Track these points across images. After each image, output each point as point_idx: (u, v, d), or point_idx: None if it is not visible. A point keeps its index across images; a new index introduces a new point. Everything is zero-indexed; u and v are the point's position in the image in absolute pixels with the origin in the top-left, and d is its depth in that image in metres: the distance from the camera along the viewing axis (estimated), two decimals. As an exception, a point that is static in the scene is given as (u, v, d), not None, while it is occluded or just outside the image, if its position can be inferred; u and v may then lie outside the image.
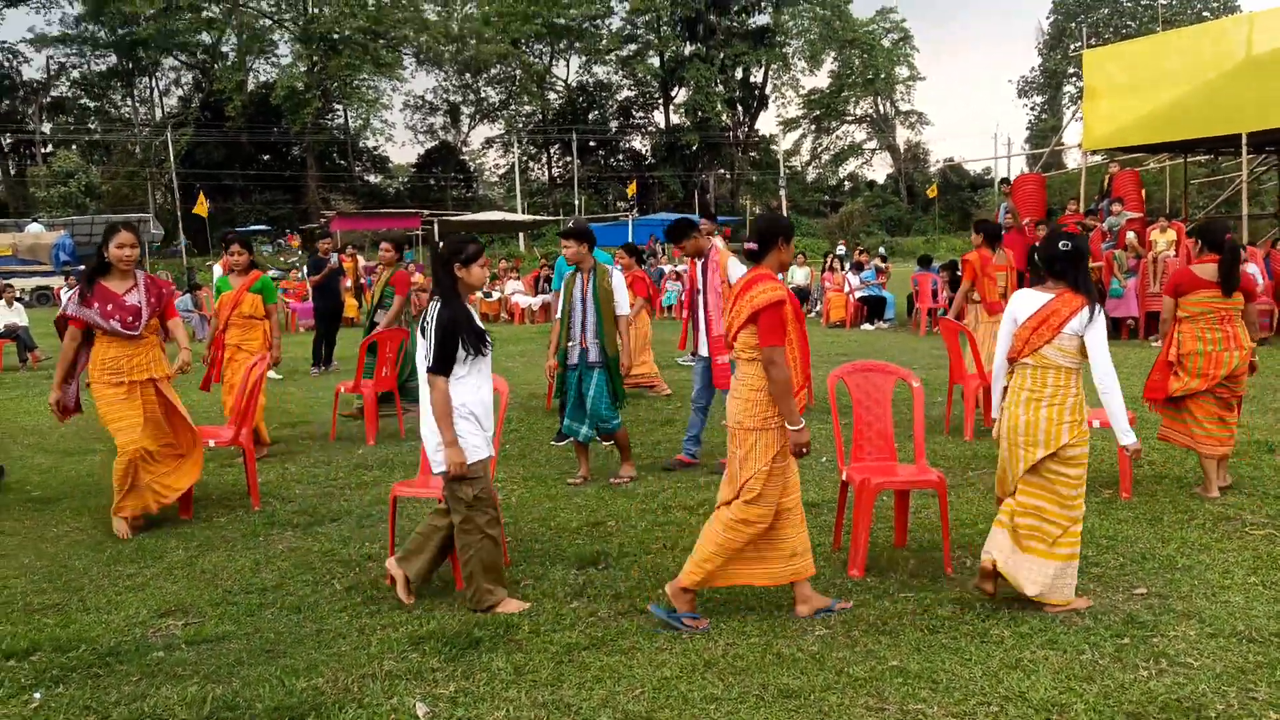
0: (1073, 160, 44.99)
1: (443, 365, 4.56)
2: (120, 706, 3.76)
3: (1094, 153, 20.61)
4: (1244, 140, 17.08)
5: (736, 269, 7.31)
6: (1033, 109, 70.43)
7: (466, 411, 4.63)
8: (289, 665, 4.09)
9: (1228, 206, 23.71)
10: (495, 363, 11.06)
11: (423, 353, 4.64)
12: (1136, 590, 4.65)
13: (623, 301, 7.21)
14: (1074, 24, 63.04)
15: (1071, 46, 61.84)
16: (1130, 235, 15.31)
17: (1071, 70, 60.68)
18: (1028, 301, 4.56)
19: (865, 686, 3.75)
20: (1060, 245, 4.53)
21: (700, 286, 7.27)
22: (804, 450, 4.31)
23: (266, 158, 60.91)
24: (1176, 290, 6.40)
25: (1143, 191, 18.89)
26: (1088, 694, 3.63)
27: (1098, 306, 4.45)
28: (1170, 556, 5.08)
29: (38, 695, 3.88)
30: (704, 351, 7.32)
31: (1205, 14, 57.45)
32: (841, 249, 30.76)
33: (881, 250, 32.25)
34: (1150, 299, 14.09)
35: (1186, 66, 17.18)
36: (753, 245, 4.52)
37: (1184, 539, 5.36)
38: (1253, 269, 12.68)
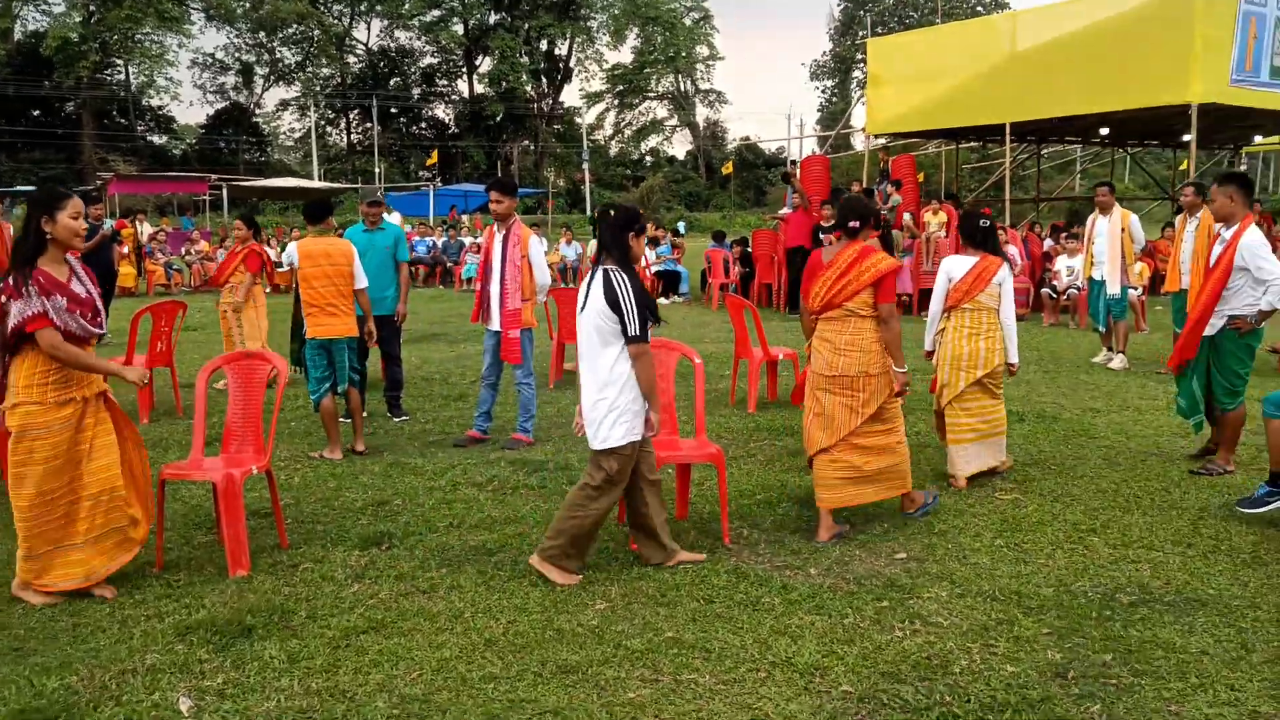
0: (859, 143, 47.11)
1: (645, 333, 4.57)
2: None
3: (877, 136, 21.64)
4: (1007, 129, 18.32)
5: (537, 246, 7.31)
6: (824, 92, 73.23)
7: (633, 384, 4.58)
8: (39, 664, 3.85)
9: (995, 190, 25.44)
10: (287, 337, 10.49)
11: (597, 321, 4.56)
12: (897, 555, 4.96)
13: None
14: (862, 11, 65.79)
15: (860, 34, 64.56)
16: (906, 216, 16.20)
17: (860, 56, 63.35)
18: (960, 264, 6.24)
19: (642, 659, 3.85)
20: (981, 222, 6.32)
21: (499, 259, 7.21)
22: (906, 389, 5.27)
23: (36, 113, 56.28)
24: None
25: (919, 175, 20.01)
26: (848, 656, 3.85)
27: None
28: (929, 522, 5.44)
29: None
30: (495, 325, 7.29)
31: (979, 9, 61.19)
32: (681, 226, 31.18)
33: (680, 225, 32.86)
34: (924, 276, 14.94)
35: (959, 59, 18.25)
36: (855, 223, 5.22)
37: (941, 505, 5.73)
38: (1012, 250, 13.64)
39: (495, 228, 7.32)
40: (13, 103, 53.40)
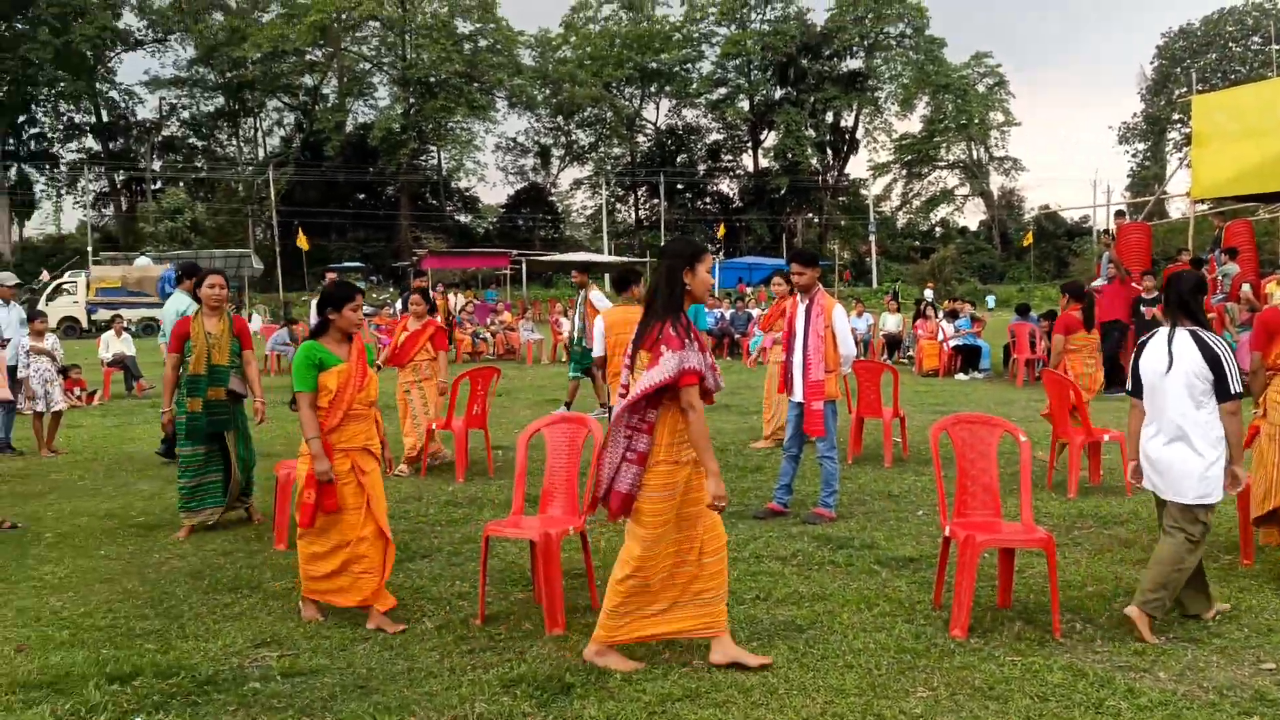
0: (1176, 210, 43.80)
1: (1241, 391, 4.80)
2: (217, 738, 3.78)
3: (1201, 201, 20.00)
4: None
5: (841, 316, 7.22)
6: (1134, 156, 68.97)
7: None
8: (381, 703, 4.07)
9: (1342, 259, 22.82)
10: (582, 402, 10.93)
11: (1190, 381, 4.71)
12: (1264, 665, 4.39)
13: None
14: (1179, 69, 61.72)
15: (1176, 92, 60.51)
16: (1245, 287, 14.74)
17: (1176, 116, 59.31)
18: None
19: (973, 754, 3.58)
20: None
21: (801, 329, 7.16)
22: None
23: (362, 196, 62.66)
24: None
25: (1254, 241, 18.23)
26: (1215, 774, 3.42)
27: None
28: (1299, 629, 4.80)
29: (139, 721, 3.92)
30: (798, 397, 7.20)
31: (1317, 60, 55.74)
32: (929, 293, 30.26)
33: (989, 299, 31.57)
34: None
35: (1300, 113, 16.58)
36: None
37: (1311, 610, 5.06)
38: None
39: (799, 298, 7.28)
40: (343, 188, 59.72)
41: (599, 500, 4.41)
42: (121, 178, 61.89)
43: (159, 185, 59.06)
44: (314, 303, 11.53)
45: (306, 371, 5.05)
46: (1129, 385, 5.07)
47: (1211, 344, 4.70)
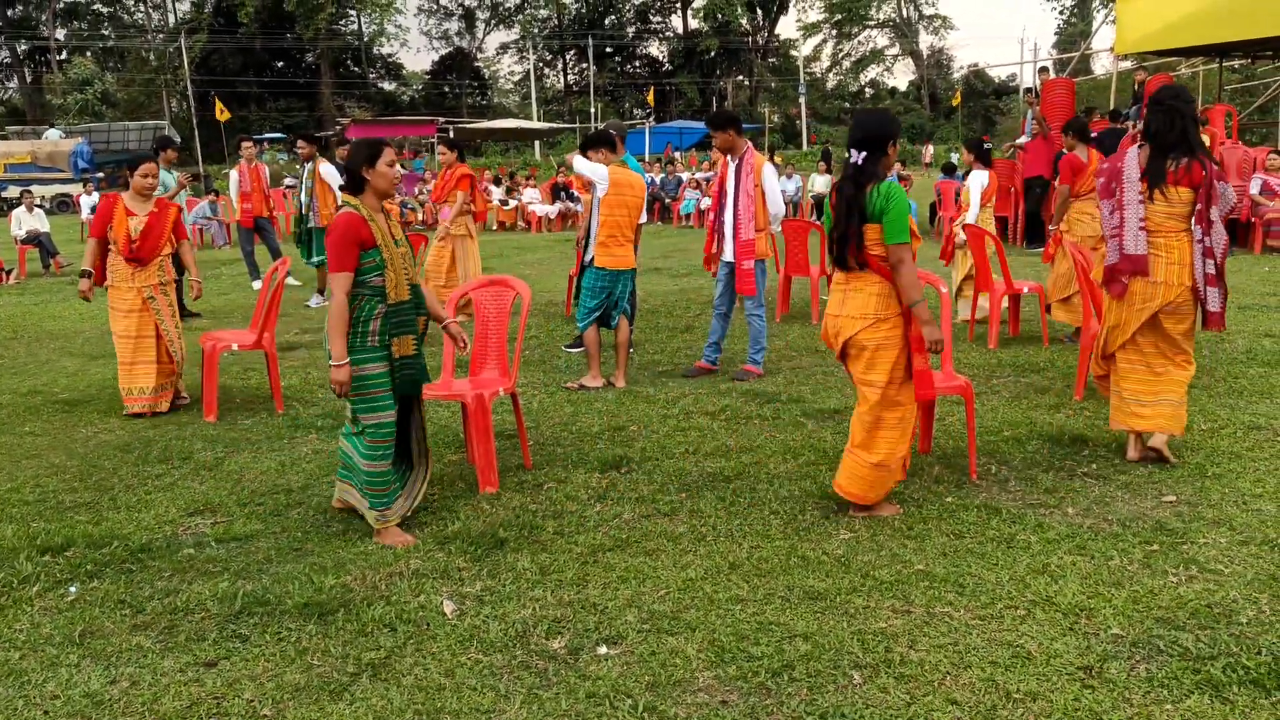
0: (1100, 66, 43.93)
1: None
2: (154, 600, 3.81)
3: (1125, 57, 20.06)
4: (1282, 45, 16.56)
5: (771, 175, 7.21)
6: (1061, 13, 68.54)
7: None
8: (317, 563, 4.13)
9: (1260, 113, 23.19)
10: (513, 269, 11.03)
11: None
12: (1165, 498, 4.63)
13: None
14: (1108, -77, 60.94)
15: (1104, -53, 59.88)
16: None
17: (1104, -28, 58.82)
18: None
19: (891, 590, 3.76)
20: None
21: (731, 189, 7.14)
22: None
23: (281, 64, 60.17)
24: None
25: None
26: (1116, 599, 3.63)
27: None
28: (1200, 464, 5.04)
29: (74, 589, 3.93)
30: (728, 256, 7.23)
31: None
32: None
33: (954, 157, 31.47)
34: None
35: (1225, -34, 16.55)
36: None
37: (1214, 447, 5.31)
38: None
39: (729, 159, 7.23)
40: (260, 56, 57.23)
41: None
42: (24, 48, 58.60)
43: (65, 56, 56.06)
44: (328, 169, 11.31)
45: None
46: None
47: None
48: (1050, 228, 8.06)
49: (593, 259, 7.09)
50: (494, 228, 22.39)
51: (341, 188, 4.47)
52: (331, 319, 4.20)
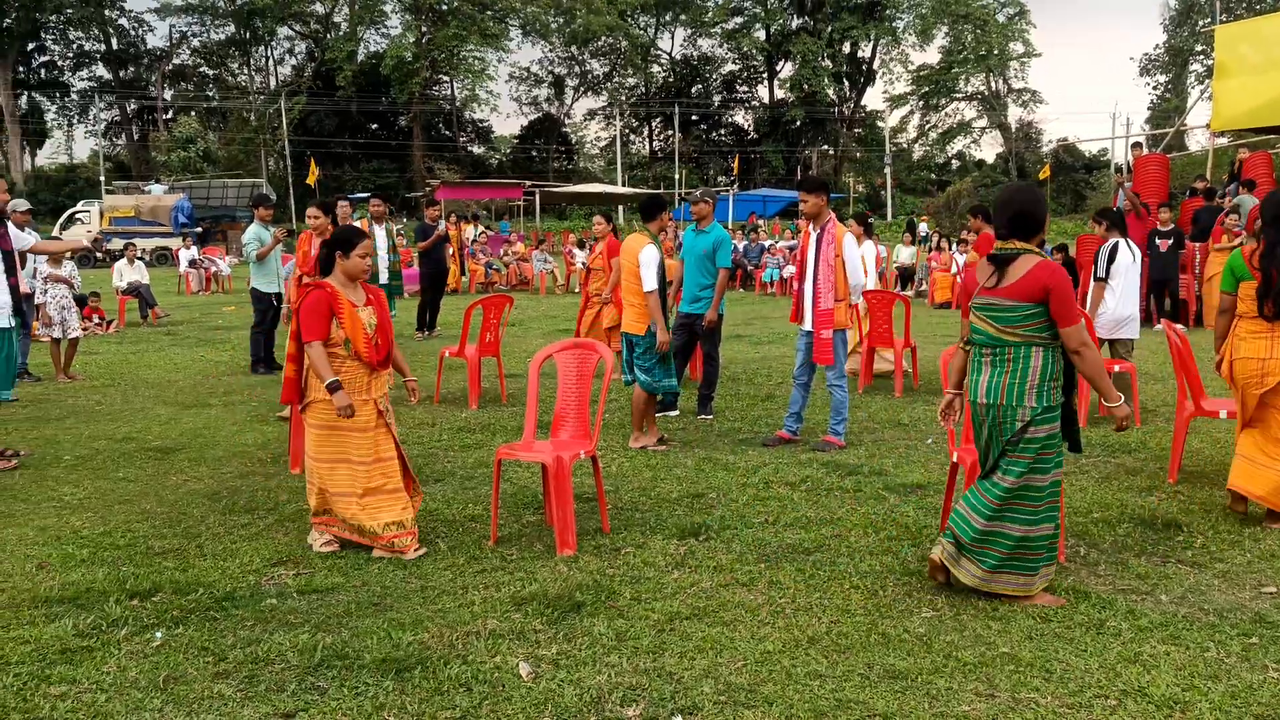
0: (1195, 143, 43.17)
1: None
2: (236, 649, 3.87)
3: (1221, 134, 19.71)
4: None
5: (852, 245, 7.20)
6: (1155, 88, 67.63)
7: None
8: (395, 619, 4.16)
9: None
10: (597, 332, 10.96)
11: None
12: (1265, 588, 4.44)
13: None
14: (1203, -1, 60.26)
15: (1200, 23, 59.11)
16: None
17: (1199, 48, 58.06)
18: None
19: (975, 672, 3.65)
20: None
21: (812, 258, 7.14)
22: None
23: (375, 127, 62.14)
24: None
25: (1274, 175, 17.99)
26: (1213, 692, 3.47)
27: None
28: (1301, 555, 4.84)
29: (159, 635, 4.01)
30: (808, 325, 7.21)
31: (1345, -11, 54.34)
32: (923, 226, 29.86)
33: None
34: None
35: (1326, 44, 16.26)
36: None
37: (1316, 537, 5.10)
38: None
39: (810, 227, 7.25)
40: (356, 118, 59.20)
41: None
42: (133, 107, 61.54)
43: (170, 114, 58.75)
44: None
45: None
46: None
47: None
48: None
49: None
50: (577, 290, 22.63)
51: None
52: None
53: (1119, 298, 8.16)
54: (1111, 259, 8.16)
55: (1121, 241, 8.24)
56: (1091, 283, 8.28)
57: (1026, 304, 4.13)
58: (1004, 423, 4.21)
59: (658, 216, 7.48)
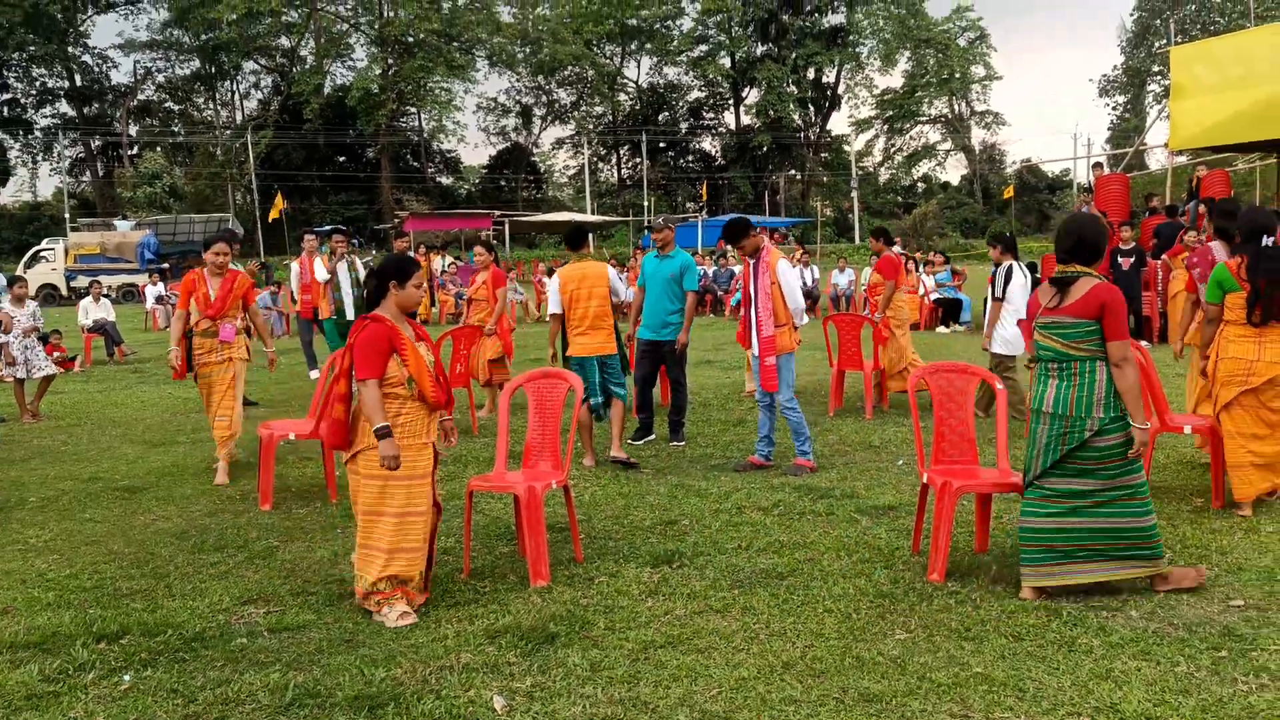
0: (1155, 161, 43.88)
1: None
2: (206, 690, 3.82)
3: (1180, 153, 20.04)
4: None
5: (786, 269, 7.29)
6: (1114, 108, 68.73)
7: None
8: (368, 655, 4.13)
9: (1320, 208, 22.89)
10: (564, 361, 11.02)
11: None
12: (1233, 602, 4.48)
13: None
14: (1159, 21, 61.38)
15: (1156, 44, 60.24)
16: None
17: (1156, 68, 59.07)
18: None
19: (949, 693, 3.67)
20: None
21: (752, 288, 7.26)
22: None
23: (342, 159, 61.98)
24: None
25: (1232, 192, 18.32)
26: (1184, 707, 3.50)
27: None
28: (1269, 568, 4.89)
29: (127, 678, 3.96)
30: (756, 351, 7.30)
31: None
32: (897, 249, 30.11)
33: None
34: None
35: (1278, 63, 16.57)
36: None
37: (1281, 549, 5.16)
38: None
39: (749, 260, 7.38)
40: (323, 151, 59.06)
41: None
42: (98, 143, 61.05)
43: (136, 150, 58.35)
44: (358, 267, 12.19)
45: None
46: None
47: None
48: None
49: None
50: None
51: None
52: None
53: (1014, 317, 8.88)
54: (1008, 280, 8.91)
55: (1015, 264, 9.02)
56: (989, 303, 9.10)
57: (1087, 320, 4.46)
58: (1071, 432, 4.49)
59: (586, 243, 8.01)
